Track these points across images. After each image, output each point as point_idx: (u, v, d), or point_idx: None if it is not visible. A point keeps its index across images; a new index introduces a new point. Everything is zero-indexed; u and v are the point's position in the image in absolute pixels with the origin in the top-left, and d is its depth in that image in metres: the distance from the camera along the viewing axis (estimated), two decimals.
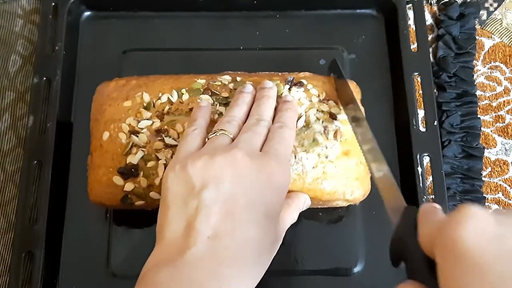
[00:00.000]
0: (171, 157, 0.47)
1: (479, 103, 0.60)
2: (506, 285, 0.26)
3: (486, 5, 0.64)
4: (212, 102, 0.49)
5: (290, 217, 0.44)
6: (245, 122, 0.45)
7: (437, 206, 0.34)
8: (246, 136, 0.42)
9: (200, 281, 0.36)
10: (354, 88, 0.53)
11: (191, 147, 0.42)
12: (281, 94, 0.49)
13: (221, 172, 0.38)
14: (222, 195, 0.38)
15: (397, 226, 0.36)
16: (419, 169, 0.53)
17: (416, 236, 0.32)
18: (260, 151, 0.42)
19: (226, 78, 0.51)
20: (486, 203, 0.56)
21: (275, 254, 0.41)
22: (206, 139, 0.43)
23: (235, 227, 0.37)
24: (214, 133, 0.43)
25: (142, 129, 0.48)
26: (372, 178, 0.44)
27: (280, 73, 0.53)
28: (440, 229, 0.29)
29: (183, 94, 0.49)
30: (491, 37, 0.63)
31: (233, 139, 0.43)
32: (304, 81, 0.51)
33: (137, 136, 0.48)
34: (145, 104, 0.49)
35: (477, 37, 0.62)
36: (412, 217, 0.34)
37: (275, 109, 0.47)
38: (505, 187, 0.57)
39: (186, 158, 0.40)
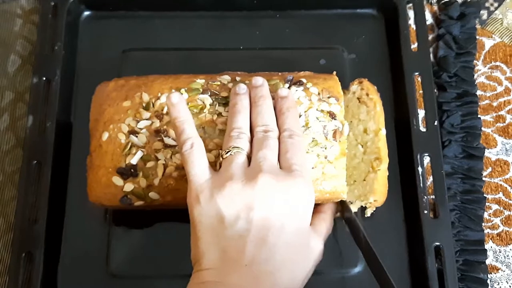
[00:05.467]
0: (171, 157, 0.47)
1: (479, 103, 0.59)
2: None
3: (487, 4, 0.64)
4: (211, 102, 0.49)
5: (327, 229, 0.46)
6: (250, 127, 0.45)
7: None
8: (262, 155, 0.42)
9: None
10: (378, 99, 0.54)
11: (202, 169, 0.42)
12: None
13: (250, 201, 0.39)
14: (254, 223, 0.39)
15: None
16: (420, 169, 0.53)
17: None
18: (279, 164, 0.42)
19: (226, 78, 0.51)
20: (487, 203, 0.56)
21: (314, 266, 0.42)
22: (220, 158, 0.43)
23: (270, 252, 0.38)
24: (228, 152, 0.43)
25: (141, 129, 0.48)
26: None
27: (280, 73, 0.53)
28: None
29: (182, 94, 0.49)
30: (491, 37, 0.63)
31: (247, 155, 0.43)
32: (304, 80, 0.51)
33: (136, 137, 0.48)
34: (144, 104, 0.49)
35: (477, 37, 0.62)
36: None
37: (274, 108, 0.47)
38: (506, 187, 0.57)
39: (209, 187, 0.40)
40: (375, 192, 0.50)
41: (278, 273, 0.39)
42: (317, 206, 0.46)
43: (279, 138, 0.44)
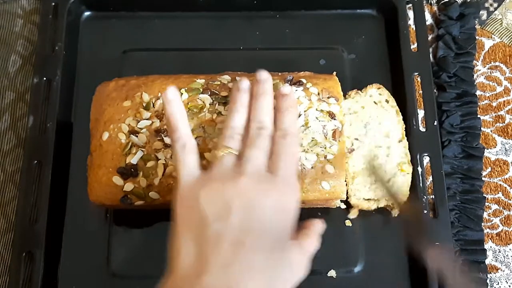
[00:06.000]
0: (171, 157, 0.47)
1: (479, 103, 0.59)
2: None
3: (486, 5, 0.64)
4: (211, 101, 0.49)
5: (312, 245, 0.44)
6: (246, 126, 0.45)
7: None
8: (252, 155, 0.42)
9: None
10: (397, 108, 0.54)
11: (191, 168, 0.42)
12: None
13: (231, 203, 0.39)
14: (233, 226, 0.38)
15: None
16: (419, 169, 0.53)
17: None
18: (268, 165, 0.42)
19: (226, 78, 0.51)
20: (486, 203, 0.56)
21: (295, 279, 0.40)
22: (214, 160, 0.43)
23: (245, 256, 0.38)
24: (219, 152, 0.42)
25: (141, 129, 0.49)
26: None
27: (280, 73, 0.53)
28: None
29: (182, 94, 0.49)
30: (491, 37, 0.63)
31: (239, 153, 0.43)
32: (304, 80, 0.51)
33: (137, 136, 0.48)
34: (144, 104, 0.50)
35: (477, 37, 0.62)
36: None
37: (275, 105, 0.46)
38: (505, 187, 0.57)
39: (195, 187, 0.40)
40: (404, 194, 0.51)
41: (253, 275, 0.38)
42: (302, 222, 0.44)
43: (274, 137, 0.44)
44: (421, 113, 0.56)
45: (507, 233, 0.55)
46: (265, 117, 0.44)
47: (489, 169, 0.58)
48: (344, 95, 0.53)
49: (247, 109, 0.46)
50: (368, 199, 0.52)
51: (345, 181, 0.50)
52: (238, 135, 0.44)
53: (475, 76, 0.61)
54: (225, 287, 0.37)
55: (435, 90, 0.59)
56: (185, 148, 0.42)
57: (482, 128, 0.58)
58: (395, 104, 0.55)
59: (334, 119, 0.49)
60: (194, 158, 0.43)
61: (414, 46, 0.58)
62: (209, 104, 0.49)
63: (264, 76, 0.47)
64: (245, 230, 0.39)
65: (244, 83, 0.47)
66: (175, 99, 0.44)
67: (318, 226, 0.45)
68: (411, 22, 0.60)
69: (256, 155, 0.42)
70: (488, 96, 0.60)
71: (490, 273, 0.54)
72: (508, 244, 0.55)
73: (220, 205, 0.39)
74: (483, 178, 0.57)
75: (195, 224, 0.39)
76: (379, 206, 0.52)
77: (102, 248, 0.53)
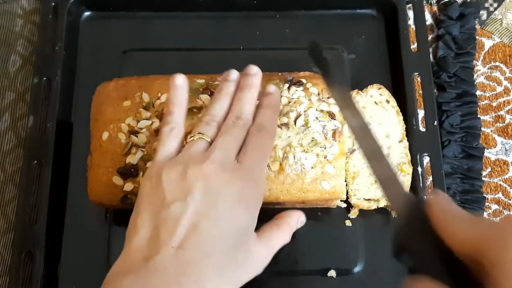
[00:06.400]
0: None
1: (479, 103, 0.59)
2: None
3: (486, 5, 0.64)
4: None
5: (279, 237, 0.43)
6: (226, 116, 0.44)
7: (449, 199, 0.33)
8: (223, 142, 0.41)
9: None
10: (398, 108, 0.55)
11: (168, 151, 0.42)
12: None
13: (192, 185, 0.39)
14: (190, 208, 0.38)
15: (399, 216, 0.34)
16: (419, 169, 0.53)
17: (424, 229, 0.31)
18: (238, 155, 0.42)
19: None
20: (486, 203, 0.56)
21: (253, 273, 0.40)
22: (185, 142, 0.43)
23: (199, 239, 0.37)
24: (192, 137, 0.42)
25: (141, 129, 0.49)
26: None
27: (280, 73, 0.53)
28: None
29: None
30: (491, 37, 0.63)
31: (211, 142, 0.42)
32: (304, 80, 0.51)
33: (137, 136, 0.48)
34: (144, 104, 0.50)
35: (477, 37, 0.62)
36: (417, 208, 0.33)
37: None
38: (505, 187, 0.57)
39: (162, 167, 0.40)
40: None
41: (204, 261, 0.37)
42: (278, 213, 0.44)
43: (249, 129, 0.43)
44: (421, 113, 0.56)
45: None
46: (244, 109, 0.44)
47: (489, 169, 0.58)
48: None
49: (231, 98, 0.45)
50: (368, 199, 0.52)
51: (345, 181, 0.50)
52: (215, 123, 0.43)
53: (475, 76, 0.61)
54: (176, 271, 0.36)
55: (435, 90, 0.59)
56: (172, 132, 0.43)
57: (482, 128, 0.58)
58: (396, 104, 0.55)
59: (334, 119, 0.49)
60: (175, 144, 0.43)
61: (414, 46, 0.58)
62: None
63: (253, 70, 0.46)
64: (202, 214, 0.38)
65: (233, 73, 0.47)
66: (182, 86, 0.45)
67: (293, 219, 0.44)
68: (411, 22, 0.60)
69: (227, 142, 0.42)
70: (488, 96, 0.60)
71: None
72: None
73: (180, 187, 0.39)
74: (483, 178, 0.57)
75: (154, 203, 0.39)
76: (379, 206, 0.52)
77: (102, 248, 0.53)
